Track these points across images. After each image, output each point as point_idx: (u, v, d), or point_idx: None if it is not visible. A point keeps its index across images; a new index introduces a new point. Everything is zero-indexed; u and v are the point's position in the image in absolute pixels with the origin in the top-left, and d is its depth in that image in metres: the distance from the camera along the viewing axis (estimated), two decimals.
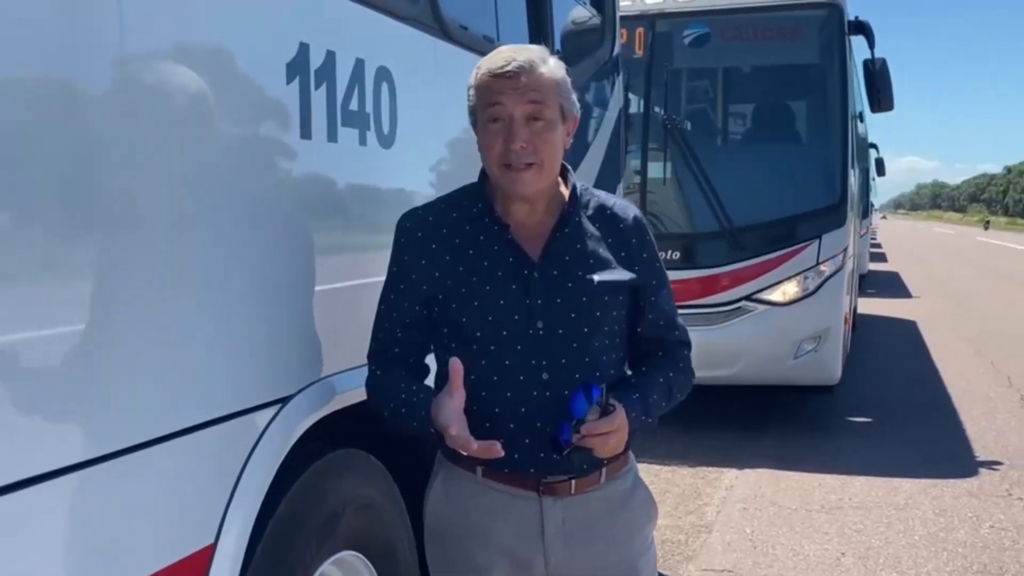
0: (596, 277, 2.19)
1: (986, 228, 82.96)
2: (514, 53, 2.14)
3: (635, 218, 2.31)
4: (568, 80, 2.19)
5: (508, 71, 2.10)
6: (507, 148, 2.11)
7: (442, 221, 2.23)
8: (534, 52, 2.16)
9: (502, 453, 2.03)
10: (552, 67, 2.15)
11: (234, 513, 2.03)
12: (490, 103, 2.12)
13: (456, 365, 2.07)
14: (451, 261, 2.19)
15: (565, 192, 2.26)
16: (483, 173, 2.26)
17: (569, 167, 2.29)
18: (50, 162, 1.58)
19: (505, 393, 2.15)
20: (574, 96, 2.21)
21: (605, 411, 2.07)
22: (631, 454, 2.35)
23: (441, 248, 2.20)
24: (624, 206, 2.34)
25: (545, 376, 2.15)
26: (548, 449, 2.11)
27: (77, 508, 1.66)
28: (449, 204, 2.28)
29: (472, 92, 2.18)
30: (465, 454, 2.08)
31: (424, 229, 2.23)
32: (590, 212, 2.27)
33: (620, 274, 2.22)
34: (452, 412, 2.05)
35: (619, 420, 2.08)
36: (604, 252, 2.23)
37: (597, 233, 2.25)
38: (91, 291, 1.67)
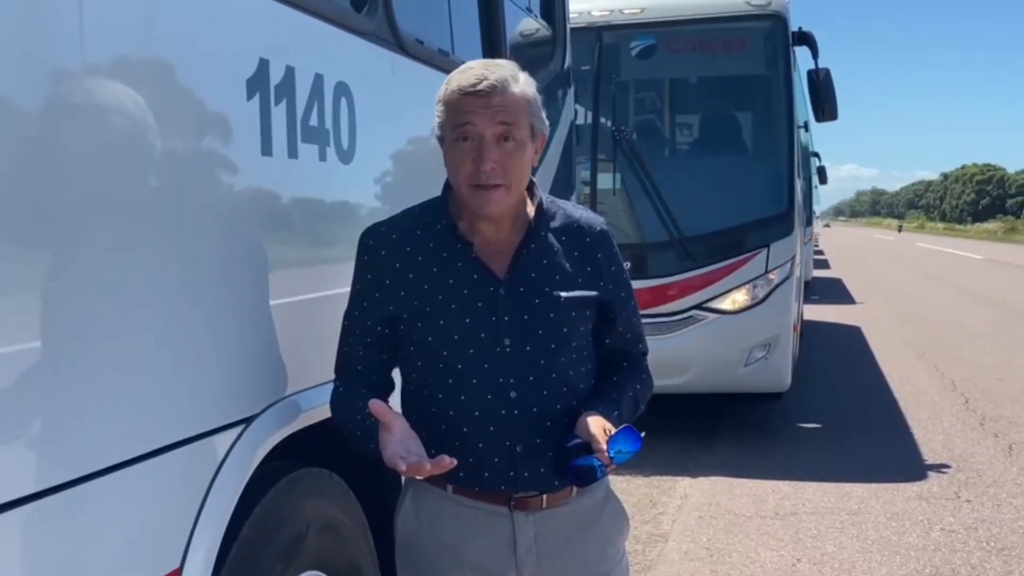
0: (563, 293, 2.18)
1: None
2: (485, 70, 2.10)
3: (601, 231, 2.30)
4: (538, 97, 2.17)
5: (480, 89, 2.06)
6: (477, 168, 2.08)
7: (405, 238, 2.20)
8: (505, 69, 2.12)
9: (454, 463, 1.98)
10: (523, 84, 2.13)
11: (199, 536, 1.99)
12: (460, 122, 2.08)
13: (376, 406, 2.03)
14: (415, 279, 2.17)
15: (531, 208, 2.23)
16: (446, 187, 2.23)
17: (536, 182, 2.27)
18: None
19: (473, 412, 2.14)
20: (543, 113, 2.19)
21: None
22: None
23: (405, 266, 2.18)
24: (590, 218, 2.32)
25: (513, 394, 2.13)
26: (523, 467, 2.14)
27: (39, 537, 1.62)
28: (412, 220, 2.24)
29: (441, 108, 2.14)
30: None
31: (388, 247, 2.20)
32: (556, 225, 2.25)
33: (587, 289, 2.22)
34: (395, 446, 2.01)
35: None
36: (570, 267, 2.22)
37: (563, 248, 2.23)
38: (48, 312, 1.62)
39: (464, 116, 2.08)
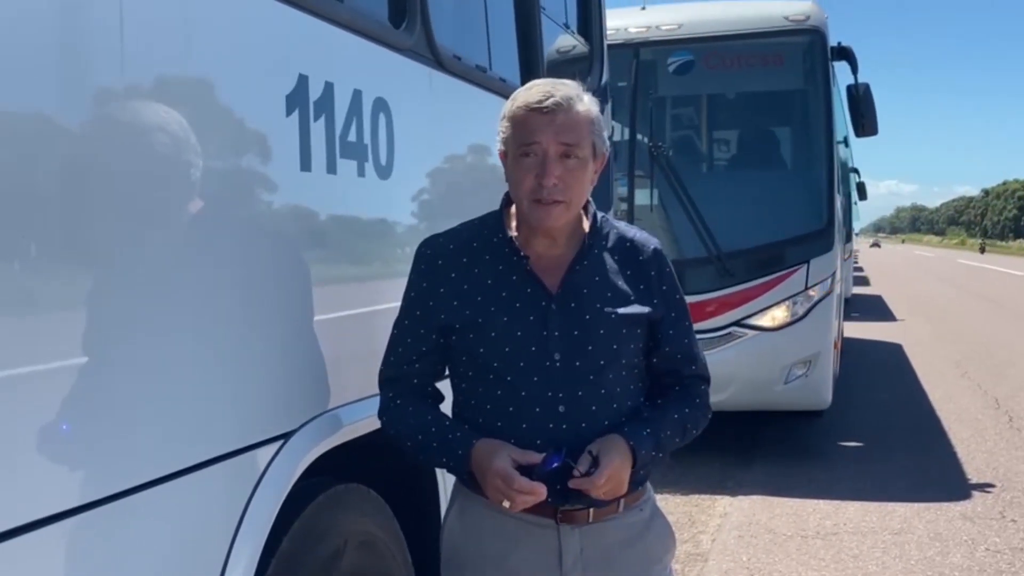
0: (614, 310, 2.19)
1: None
2: (551, 88, 2.14)
3: (655, 250, 2.31)
4: (601, 118, 2.20)
5: (545, 106, 2.10)
6: (539, 184, 2.11)
7: (463, 249, 2.24)
8: (570, 88, 2.16)
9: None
10: (587, 104, 2.16)
11: (238, 552, 1.99)
12: (525, 138, 2.12)
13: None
14: (469, 290, 2.19)
15: (586, 225, 2.26)
16: (504, 201, 2.27)
17: (591, 200, 2.28)
18: (40, 200, 1.55)
19: (521, 424, 2.14)
20: (605, 133, 2.21)
21: (596, 461, 2.08)
22: (648, 485, 2.33)
23: (460, 276, 2.20)
24: (644, 238, 2.33)
25: (561, 408, 2.14)
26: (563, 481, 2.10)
27: (79, 550, 1.62)
28: (470, 232, 2.28)
29: (506, 124, 2.17)
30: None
31: (444, 257, 2.23)
32: (610, 244, 2.27)
33: (638, 307, 2.22)
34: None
35: (605, 475, 2.06)
36: (622, 285, 2.23)
37: (616, 266, 2.25)
38: (89, 327, 1.63)
39: (529, 132, 2.12)
